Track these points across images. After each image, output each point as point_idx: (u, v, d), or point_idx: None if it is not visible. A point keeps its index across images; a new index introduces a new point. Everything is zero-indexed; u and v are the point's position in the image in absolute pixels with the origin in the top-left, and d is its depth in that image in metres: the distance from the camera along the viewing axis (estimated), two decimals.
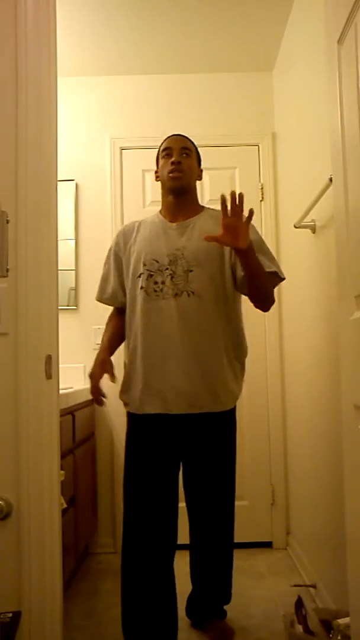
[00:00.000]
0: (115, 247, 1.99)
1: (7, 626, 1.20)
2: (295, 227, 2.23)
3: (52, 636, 1.33)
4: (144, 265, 1.83)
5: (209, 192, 2.98)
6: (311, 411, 2.29)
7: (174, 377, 1.76)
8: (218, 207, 2.89)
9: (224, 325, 1.82)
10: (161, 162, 1.93)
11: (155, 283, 1.80)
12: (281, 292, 2.90)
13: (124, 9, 2.49)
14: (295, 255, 2.57)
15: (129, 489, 1.82)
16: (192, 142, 1.96)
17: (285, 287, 2.84)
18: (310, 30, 2.16)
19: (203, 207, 2.00)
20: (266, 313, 2.87)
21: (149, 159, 2.98)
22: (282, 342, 2.90)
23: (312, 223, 2.15)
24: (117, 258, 1.97)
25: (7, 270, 1.30)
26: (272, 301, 1.87)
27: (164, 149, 1.92)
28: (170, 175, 1.87)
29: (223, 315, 1.82)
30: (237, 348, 1.89)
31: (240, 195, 1.59)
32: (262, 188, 2.97)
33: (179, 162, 1.86)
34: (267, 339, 2.91)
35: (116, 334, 1.98)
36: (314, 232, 2.17)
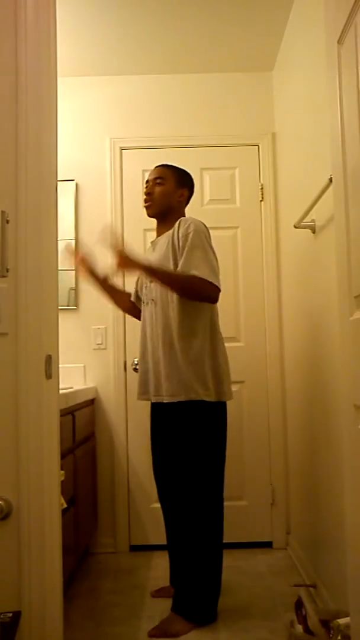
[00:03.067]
0: None
1: (7, 626, 1.20)
2: (295, 227, 2.23)
3: (52, 636, 1.33)
4: (139, 280, 2.30)
5: (208, 192, 2.98)
6: (311, 411, 2.29)
7: (143, 370, 2.16)
8: (218, 206, 2.94)
9: (174, 326, 2.02)
10: None
11: (145, 293, 2.19)
12: (281, 292, 2.90)
13: (124, 9, 2.49)
14: (295, 255, 2.58)
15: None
16: (172, 168, 2.21)
17: (286, 287, 2.84)
18: (310, 30, 2.16)
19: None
20: (266, 313, 2.91)
21: (149, 159, 2.99)
22: (282, 343, 2.90)
23: (312, 223, 2.15)
24: None
25: (7, 270, 1.31)
26: (195, 296, 2.00)
27: (145, 182, 2.25)
28: (144, 205, 2.21)
29: (173, 318, 2.02)
30: (187, 345, 2.01)
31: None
32: (262, 188, 2.97)
33: (150, 193, 2.18)
34: (267, 340, 2.91)
35: (127, 300, 2.39)
36: (314, 232, 2.17)
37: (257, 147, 3.00)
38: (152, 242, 2.26)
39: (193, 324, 2.02)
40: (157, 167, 2.24)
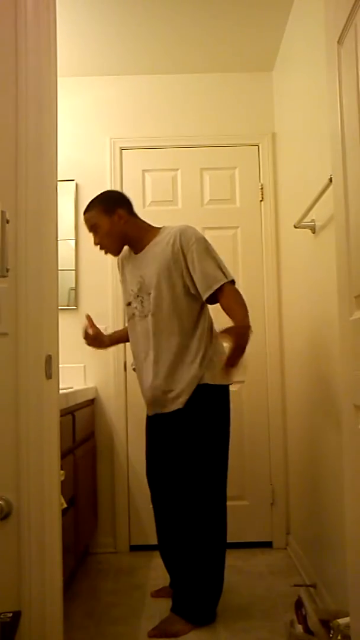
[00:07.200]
0: (119, 270, 2.30)
1: (7, 626, 1.20)
2: (295, 227, 2.23)
3: (52, 636, 1.33)
4: (126, 293, 2.18)
5: (208, 192, 2.98)
6: (311, 411, 2.30)
7: (146, 386, 2.08)
8: (218, 206, 2.94)
9: (178, 337, 2.02)
10: None
11: (135, 307, 2.11)
12: (281, 292, 2.90)
13: (124, 9, 2.49)
14: (295, 255, 2.58)
15: None
16: (93, 205, 2.11)
17: (285, 287, 2.84)
18: (310, 30, 2.16)
19: (158, 230, 2.12)
20: (266, 313, 2.91)
21: (149, 159, 3.00)
22: (282, 343, 2.90)
23: (312, 223, 2.15)
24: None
25: (7, 270, 1.30)
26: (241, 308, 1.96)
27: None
28: (104, 253, 2.17)
29: (177, 329, 2.02)
30: (188, 342, 2.03)
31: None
32: (262, 188, 2.97)
33: (98, 244, 2.13)
34: (267, 340, 2.90)
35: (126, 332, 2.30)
36: (313, 232, 2.17)
37: (257, 147, 3.00)
38: (132, 256, 2.15)
39: (190, 324, 2.03)
40: (84, 214, 2.14)
